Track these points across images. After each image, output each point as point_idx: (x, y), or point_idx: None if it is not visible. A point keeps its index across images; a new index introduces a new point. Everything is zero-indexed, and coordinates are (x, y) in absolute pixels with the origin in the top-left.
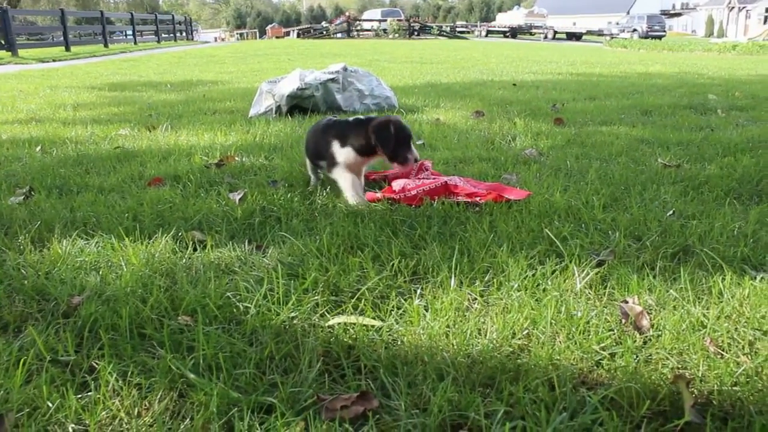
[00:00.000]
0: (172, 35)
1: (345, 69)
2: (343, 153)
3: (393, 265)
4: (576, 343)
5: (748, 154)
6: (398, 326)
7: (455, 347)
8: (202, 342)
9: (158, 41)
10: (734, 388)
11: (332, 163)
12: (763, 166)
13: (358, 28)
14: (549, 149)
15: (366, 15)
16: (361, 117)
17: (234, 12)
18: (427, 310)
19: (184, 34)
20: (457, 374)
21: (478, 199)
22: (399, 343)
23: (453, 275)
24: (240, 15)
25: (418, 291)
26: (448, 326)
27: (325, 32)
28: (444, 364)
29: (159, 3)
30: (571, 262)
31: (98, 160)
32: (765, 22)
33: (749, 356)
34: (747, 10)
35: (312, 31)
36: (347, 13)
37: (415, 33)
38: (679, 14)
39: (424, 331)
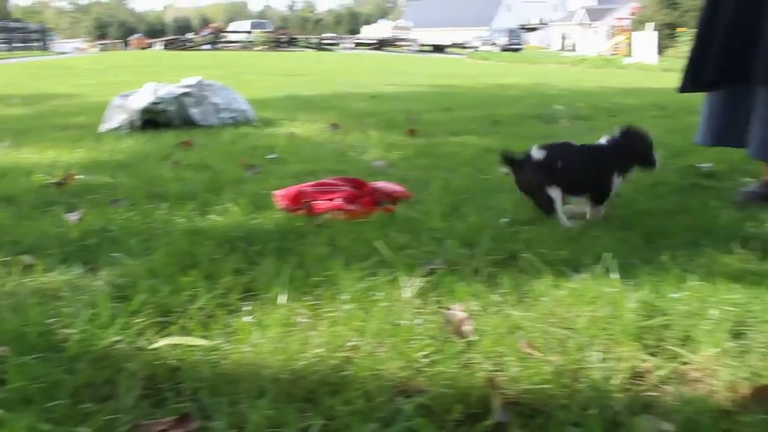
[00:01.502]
0: (25, 45)
1: (200, 83)
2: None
3: (225, 282)
4: (399, 352)
5: None
6: (226, 345)
7: (281, 363)
8: (15, 373)
9: (9, 50)
10: (543, 386)
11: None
12: None
13: (225, 39)
14: (399, 160)
15: (233, 26)
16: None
17: (95, 21)
18: (258, 327)
19: (39, 43)
20: (278, 390)
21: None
22: (225, 362)
23: (284, 290)
24: (101, 25)
25: (249, 308)
26: (275, 342)
27: (190, 44)
28: (266, 380)
29: (8, 9)
30: (401, 272)
31: None
32: (611, 38)
33: (560, 354)
34: (595, 27)
35: (178, 42)
36: (214, 25)
37: (283, 45)
38: (535, 29)
39: (251, 349)
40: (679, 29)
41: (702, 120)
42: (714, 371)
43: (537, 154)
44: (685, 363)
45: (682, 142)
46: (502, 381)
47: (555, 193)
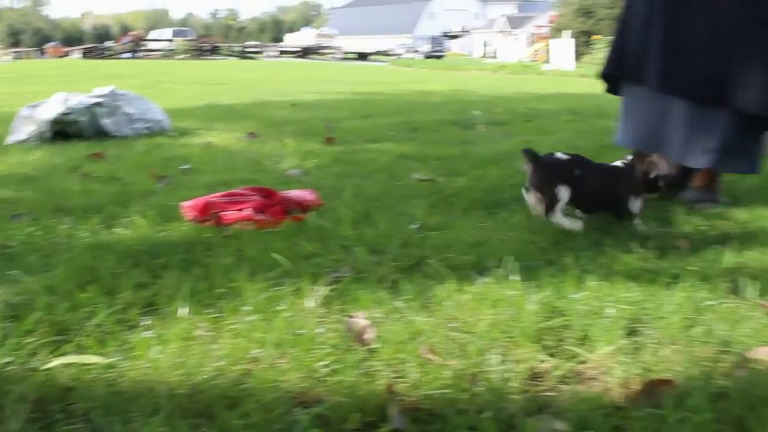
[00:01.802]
0: None
1: (113, 92)
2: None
3: (125, 297)
4: (300, 363)
5: (496, 166)
6: (123, 362)
7: (179, 378)
8: None
9: None
10: (442, 390)
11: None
12: (506, 176)
13: (146, 48)
14: (314, 168)
15: (154, 34)
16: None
17: (7, 28)
18: (158, 342)
19: None
20: (174, 406)
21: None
22: (121, 380)
23: (186, 303)
24: (14, 32)
25: (148, 323)
26: (175, 357)
27: (109, 52)
28: (162, 397)
29: None
30: (306, 281)
31: None
32: (530, 45)
33: (460, 359)
34: (515, 35)
35: (96, 50)
36: (134, 33)
37: (206, 53)
38: (457, 36)
39: (149, 365)
40: (594, 37)
41: (620, 121)
42: (609, 369)
43: (561, 155)
44: (582, 362)
45: (593, 144)
46: (403, 388)
47: (564, 194)
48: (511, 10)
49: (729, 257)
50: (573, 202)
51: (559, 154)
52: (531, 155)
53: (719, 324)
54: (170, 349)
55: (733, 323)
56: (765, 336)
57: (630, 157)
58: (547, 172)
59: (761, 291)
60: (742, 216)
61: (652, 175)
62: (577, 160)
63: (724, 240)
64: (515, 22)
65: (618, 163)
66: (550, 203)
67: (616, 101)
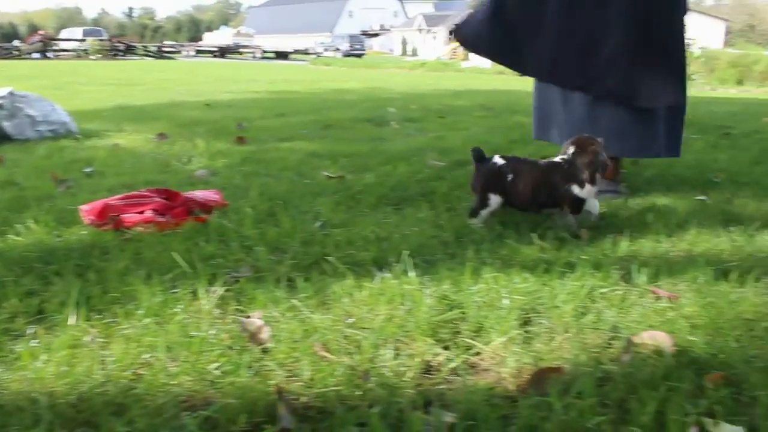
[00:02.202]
0: None
1: (12, 94)
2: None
3: (12, 306)
4: (191, 365)
5: (405, 162)
6: (6, 374)
7: (65, 387)
8: None
9: None
10: (335, 388)
11: None
12: (414, 172)
13: (57, 48)
14: (223, 168)
15: (65, 34)
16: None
17: None
18: (44, 351)
19: None
20: (56, 417)
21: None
22: (3, 392)
23: (76, 310)
24: None
25: (33, 331)
26: (61, 366)
27: (16, 52)
28: (44, 408)
29: None
30: (203, 283)
31: None
32: (449, 43)
33: (353, 355)
34: (434, 33)
35: (2, 50)
36: (43, 32)
37: (120, 53)
38: (377, 34)
39: (33, 375)
40: None
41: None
42: (502, 359)
43: (498, 161)
44: (477, 354)
45: (502, 139)
46: (296, 387)
47: (494, 200)
48: (428, 8)
49: (624, 245)
50: (509, 205)
51: (497, 158)
52: (477, 156)
53: (610, 311)
54: (56, 358)
55: (623, 309)
56: (652, 320)
57: (571, 150)
58: (483, 178)
59: (651, 276)
60: (639, 205)
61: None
62: (511, 164)
63: (621, 229)
64: (433, 21)
65: (558, 159)
66: (478, 207)
67: (527, 96)
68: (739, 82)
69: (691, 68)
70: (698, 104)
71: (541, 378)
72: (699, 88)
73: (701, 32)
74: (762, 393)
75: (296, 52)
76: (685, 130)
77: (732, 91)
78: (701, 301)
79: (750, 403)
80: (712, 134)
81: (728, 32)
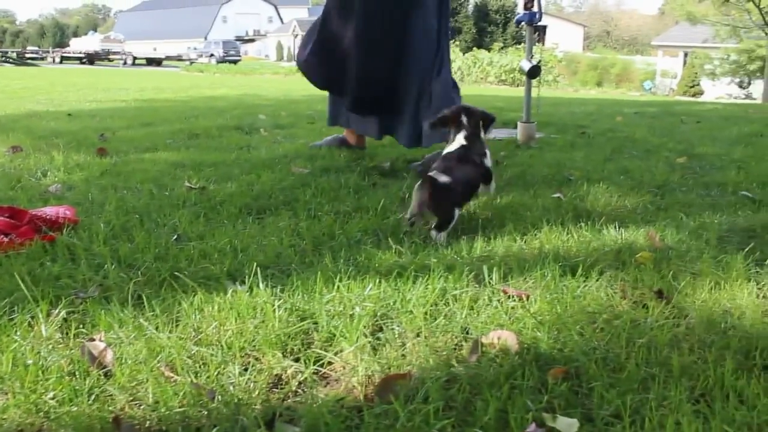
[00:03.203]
0: None
1: None
2: None
3: None
4: (25, 397)
5: (270, 170)
6: None
7: None
8: None
9: None
10: (180, 409)
11: None
12: (278, 180)
13: None
14: (79, 182)
15: None
16: None
17: None
18: None
19: None
20: None
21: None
22: None
23: None
24: None
25: None
26: None
27: None
28: None
29: None
30: (45, 306)
31: None
32: None
33: (199, 373)
34: None
35: None
36: None
37: None
38: (252, 40)
39: None
40: None
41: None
42: (353, 368)
43: (442, 177)
44: (329, 364)
45: (373, 143)
46: (140, 411)
47: (457, 212)
48: (302, 14)
49: (479, 246)
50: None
51: (439, 175)
52: (425, 174)
53: (461, 312)
54: None
55: (473, 310)
56: (501, 319)
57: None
58: (445, 196)
59: (503, 276)
60: (498, 205)
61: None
62: (456, 176)
63: (477, 229)
64: (307, 26)
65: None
66: (446, 224)
67: None
68: (599, 84)
69: (555, 71)
70: (560, 104)
71: (388, 385)
72: (562, 89)
73: (562, 37)
74: (598, 384)
75: (168, 58)
76: (545, 130)
77: (592, 92)
78: (548, 297)
79: (587, 395)
80: (570, 133)
81: (586, 37)
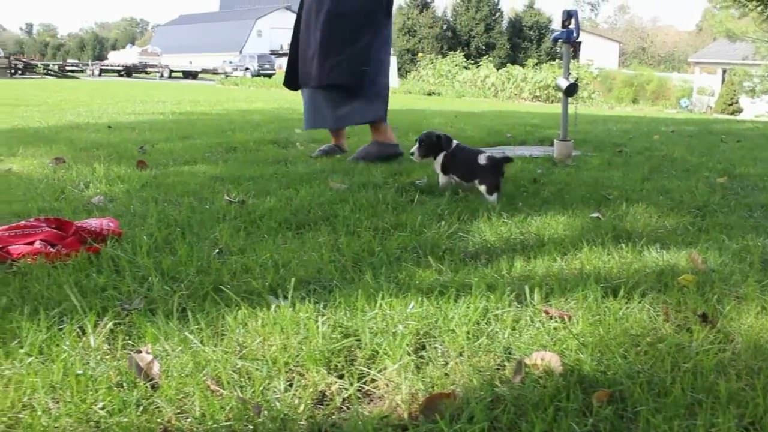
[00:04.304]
0: None
1: None
2: None
3: None
4: (75, 406)
5: (308, 185)
6: None
7: None
8: None
9: None
10: (227, 423)
11: None
12: (317, 195)
13: None
14: (121, 194)
15: None
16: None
17: None
18: None
19: None
20: None
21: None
22: None
23: None
24: None
25: None
26: None
27: None
28: None
29: None
30: (92, 317)
31: None
32: None
33: (245, 388)
34: None
35: None
36: None
37: (18, 72)
38: (286, 54)
39: None
40: (420, 55)
41: (304, 113)
42: (396, 386)
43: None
44: (372, 381)
45: (405, 160)
46: (186, 424)
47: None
48: None
49: (519, 266)
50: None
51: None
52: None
53: (503, 332)
54: None
55: (515, 330)
56: (544, 340)
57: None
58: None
59: (544, 296)
60: (536, 225)
61: None
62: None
63: (518, 249)
64: None
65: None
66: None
67: (432, 116)
68: (634, 101)
69: (591, 87)
70: (596, 122)
71: (433, 404)
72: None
73: (597, 53)
74: (644, 408)
75: (204, 71)
76: (582, 148)
77: (628, 109)
78: (590, 319)
79: (632, 419)
80: (607, 152)
81: (622, 53)
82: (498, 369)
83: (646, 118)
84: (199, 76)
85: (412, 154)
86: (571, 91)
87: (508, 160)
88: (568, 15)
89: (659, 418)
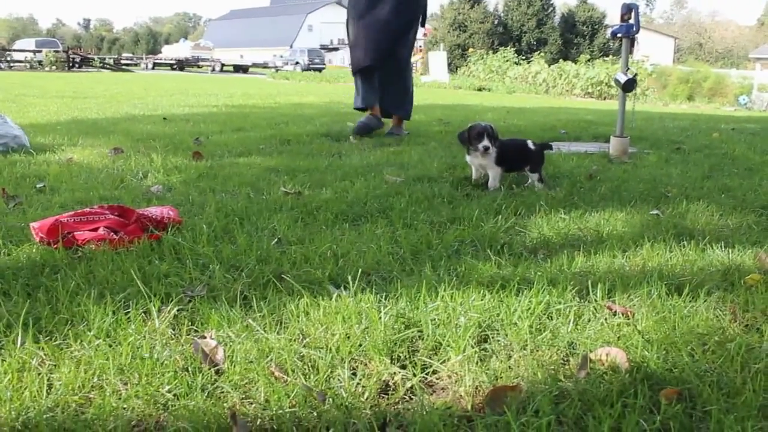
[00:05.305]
0: None
1: None
2: None
3: None
4: (143, 388)
5: (362, 178)
6: None
7: (12, 413)
8: None
9: None
10: (291, 410)
11: None
12: (372, 187)
13: (9, 59)
14: (178, 184)
15: (18, 45)
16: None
17: None
18: None
19: None
20: None
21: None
22: None
23: (25, 331)
24: None
25: None
26: (7, 390)
27: None
28: None
29: None
30: (157, 302)
31: None
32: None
33: (309, 375)
34: None
35: None
36: None
37: (76, 65)
38: (336, 49)
39: None
40: (470, 50)
41: (355, 93)
42: (459, 378)
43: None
44: (434, 372)
45: (460, 152)
46: (251, 409)
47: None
48: None
49: (579, 261)
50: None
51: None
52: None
53: (566, 327)
54: (2, 383)
55: (579, 325)
56: (607, 336)
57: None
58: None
59: (607, 292)
60: (594, 221)
61: None
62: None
63: (577, 244)
64: None
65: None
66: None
67: (483, 111)
68: (690, 98)
69: (645, 84)
70: (651, 119)
71: (498, 396)
72: (651, 103)
73: (652, 49)
74: (714, 408)
75: (255, 65)
76: (638, 145)
77: (683, 107)
78: (655, 316)
79: (702, 418)
80: (664, 149)
81: (677, 49)
82: (562, 363)
83: (704, 115)
84: (250, 70)
85: (487, 148)
86: (630, 86)
87: (548, 146)
88: (628, 9)
89: (731, 419)
